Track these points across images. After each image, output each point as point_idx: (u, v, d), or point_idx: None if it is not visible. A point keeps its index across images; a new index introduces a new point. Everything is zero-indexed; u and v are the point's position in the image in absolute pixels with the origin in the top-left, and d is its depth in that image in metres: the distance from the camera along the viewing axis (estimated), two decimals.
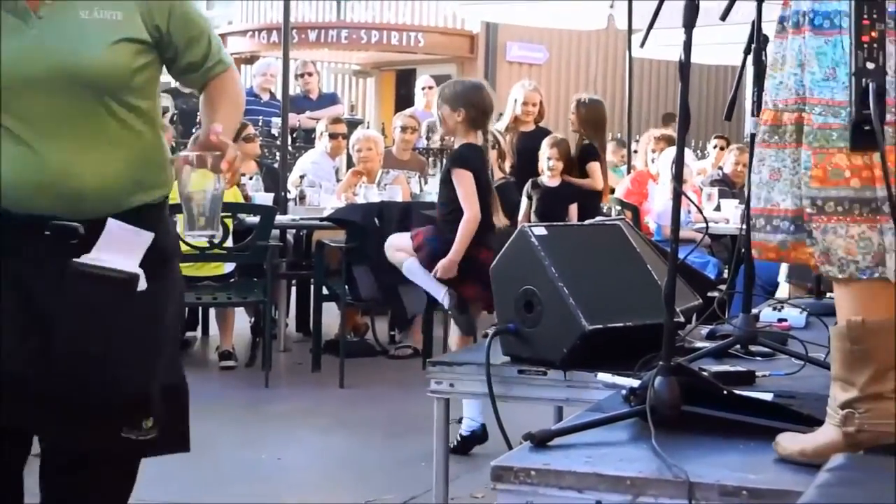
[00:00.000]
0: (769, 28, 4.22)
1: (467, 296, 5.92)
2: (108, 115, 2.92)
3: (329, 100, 12.02)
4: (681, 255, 2.87)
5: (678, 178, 2.81)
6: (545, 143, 9.01)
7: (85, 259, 2.89)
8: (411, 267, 6.14)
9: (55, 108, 2.85)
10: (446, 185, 5.87)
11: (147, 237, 2.97)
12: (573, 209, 8.82)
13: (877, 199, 2.43)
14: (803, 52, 2.54)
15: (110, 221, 2.92)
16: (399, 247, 6.26)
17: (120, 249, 2.94)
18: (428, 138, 11.94)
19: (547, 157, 8.97)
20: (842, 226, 2.46)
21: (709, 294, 4.73)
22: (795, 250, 2.59)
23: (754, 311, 4.37)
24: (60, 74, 2.83)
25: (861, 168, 2.42)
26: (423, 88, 12.86)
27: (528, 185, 8.88)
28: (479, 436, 5.57)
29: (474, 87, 6.03)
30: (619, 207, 9.10)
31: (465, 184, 5.77)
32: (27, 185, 2.85)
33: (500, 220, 5.96)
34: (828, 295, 5.33)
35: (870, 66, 2.10)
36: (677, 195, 2.81)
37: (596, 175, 9.18)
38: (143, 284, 2.94)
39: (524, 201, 8.75)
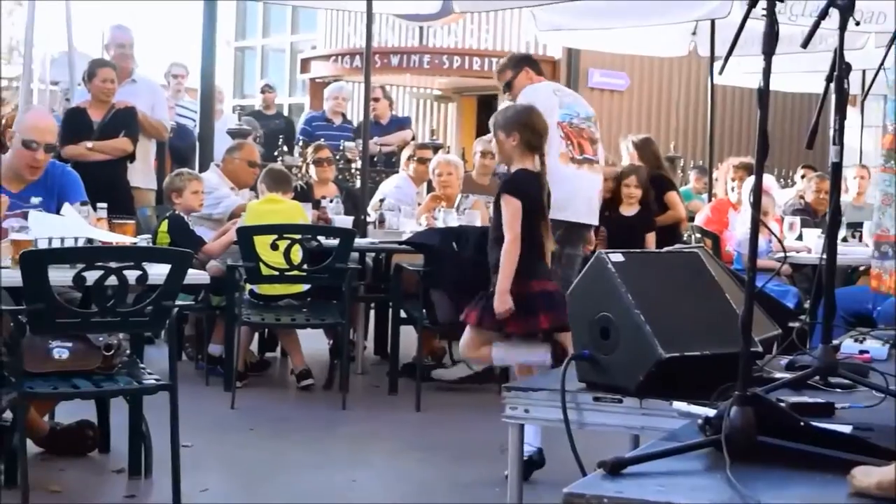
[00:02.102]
0: (851, 56, 4.19)
1: (512, 331, 5.79)
2: None
3: (397, 124, 12.07)
4: (759, 284, 2.84)
5: (756, 205, 2.79)
6: (623, 171, 9.19)
7: None
8: (498, 354, 5.95)
9: None
10: (497, 209, 5.78)
11: None
12: (650, 237, 8.97)
13: None
14: None
15: None
16: (469, 344, 5.99)
17: None
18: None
19: (624, 185, 9.08)
20: None
21: (790, 324, 4.67)
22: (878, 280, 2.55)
23: (835, 342, 4.32)
24: None
25: None
26: None
27: (604, 214, 8.78)
28: (536, 461, 5.48)
29: (526, 110, 5.96)
30: (699, 235, 9.04)
31: (510, 210, 5.65)
32: None
33: (550, 245, 5.84)
34: None
35: None
36: (755, 223, 2.79)
37: (678, 205, 9.46)
38: None
39: (602, 229, 8.62)
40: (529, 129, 5.72)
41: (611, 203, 8.96)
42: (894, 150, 2.56)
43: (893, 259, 2.54)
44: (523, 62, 7.68)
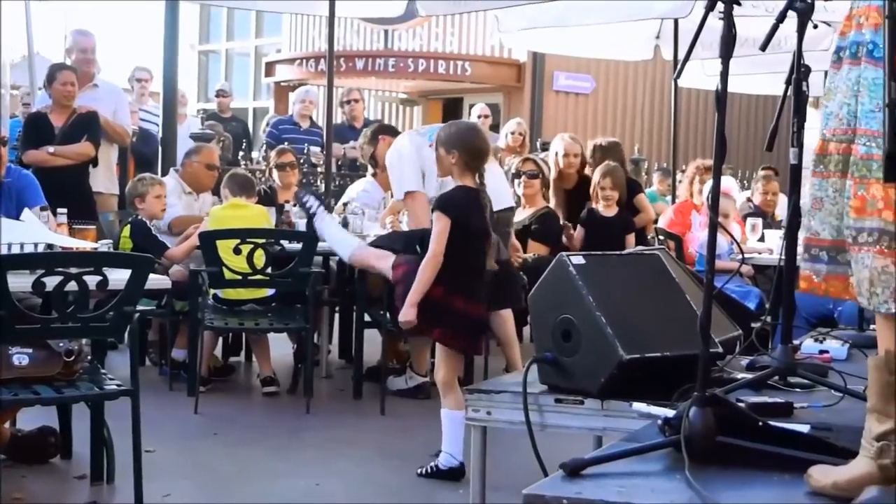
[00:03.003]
0: (815, 57, 4.21)
1: (435, 337, 5.80)
2: None
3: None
4: (718, 285, 2.86)
5: (714, 207, 2.80)
6: (598, 171, 9.14)
7: None
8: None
9: None
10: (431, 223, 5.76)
11: None
12: (630, 239, 8.99)
13: None
14: (859, 83, 2.52)
15: None
16: (379, 257, 6.21)
17: None
18: None
19: (601, 188, 9.03)
20: (868, 256, 2.44)
21: (752, 325, 4.70)
22: (827, 282, 2.57)
23: (796, 342, 4.34)
24: None
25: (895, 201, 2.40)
26: (480, 117, 12.92)
27: (583, 213, 9.02)
28: (457, 472, 5.56)
29: (469, 129, 5.94)
30: (662, 237, 9.07)
31: (439, 226, 5.59)
32: None
33: (490, 265, 5.83)
34: (871, 327, 5.29)
35: None
36: (713, 225, 2.80)
37: (648, 207, 9.57)
38: None
39: (579, 230, 8.91)
40: (469, 149, 5.68)
41: (578, 198, 9.01)
42: (823, 156, 2.58)
43: (825, 263, 2.56)
44: (378, 133, 8.32)
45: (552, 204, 9.09)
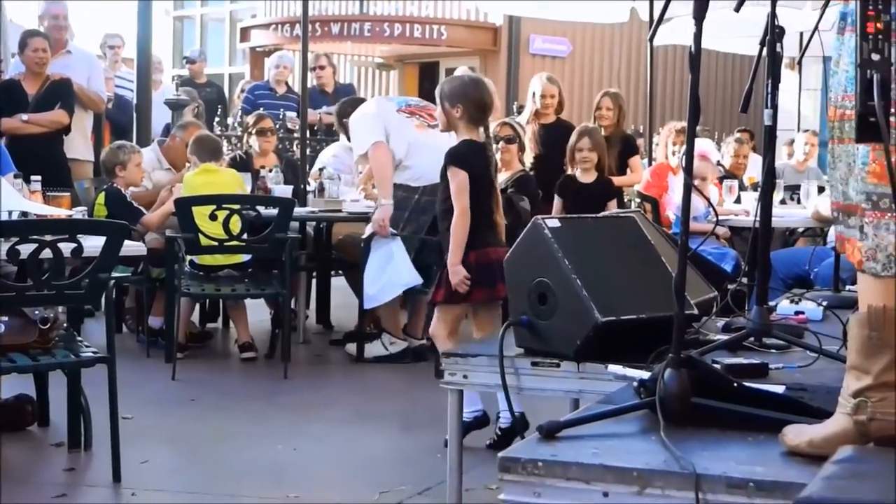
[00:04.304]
0: (791, 16, 4.20)
1: (476, 299, 5.63)
2: None
3: (344, 93, 11.98)
4: (694, 247, 2.86)
5: (688, 170, 2.80)
6: (575, 133, 8.40)
7: None
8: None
9: None
10: (443, 180, 5.70)
11: None
12: (612, 205, 8.18)
13: None
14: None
15: None
16: (438, 329, 5.74)
17: None
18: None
19: (577, 149, 8.28)
20: (895, 222, 2.42)
21: (728, 287, 4.70)
22: (841, 244, 2.58)
23: (772, 303, 4.35)
24: None
25: None
26: None
27: (559, 182, 8.33)
28: (482, 421, 5.57)
29: (473, 82, 5.90)
30: (638, 200, 9.06)
31: (457, 182, 5.58)
32: None
33: (500, 217, 5.79)
34: (847, 288, 5.31)
35: (875, 57, 2.08)
36: (687, 188, 2.80)
37: (638, 170, 9.23)
38: None
39: (556, 200, 8.24)
40: (474, 103, 5.64)
41: (551, 164, 8.72)
42: (832, 122, 2.57)
43: (841, 225, 2.55)
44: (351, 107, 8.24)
45: (528, 138, 8.91)
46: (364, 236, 7.53)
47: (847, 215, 2.53)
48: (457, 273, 5.48)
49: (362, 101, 8.54)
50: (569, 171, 8.35)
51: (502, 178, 8.55)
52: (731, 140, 10.26)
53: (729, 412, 2.77)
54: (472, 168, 5.56)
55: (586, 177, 8.24)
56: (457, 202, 5.53)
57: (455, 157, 5.61)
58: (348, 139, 8.28)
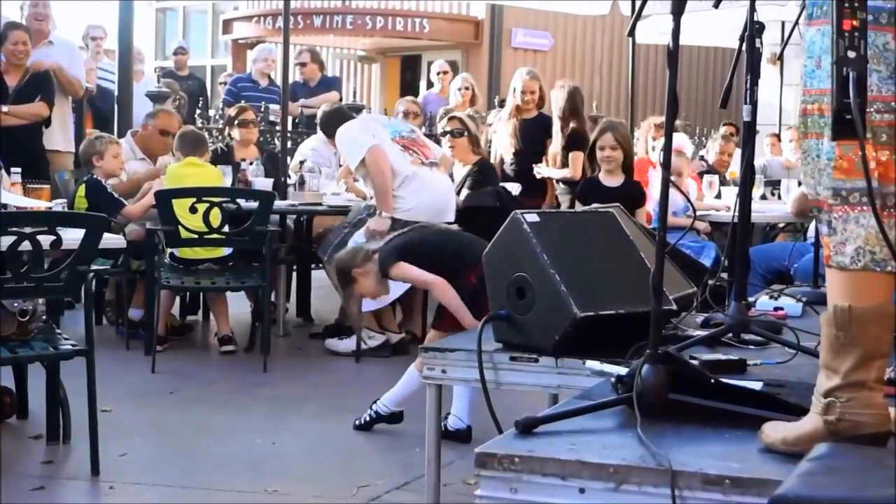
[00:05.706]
0: (773, 9, 4.20)
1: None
2: None
3: (325, 85, 11.95)
4: (672, 242, 2.86)
5: (666, 165, 2.80)
6: (597, 129, 7.84)
7: None
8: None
9: None
10: None
11: None
12: (641, 213, 7.65)
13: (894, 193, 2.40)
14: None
15: None
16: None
17: None
18: (432, 124, 11.89)
19: (599, 147, 7.58)
20: (865, 216, 2.42)
21: (708, 282, 4.71)
22: (823, 239, 2.58)
23: (752, 299, 4.37)
24: None
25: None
26: (439, 73, 12.88)
27: (580, 186, 7.79)
28: (463, 436, 5.48)
29: None
30: None
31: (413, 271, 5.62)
32: None
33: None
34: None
35: (850, 54, 2.09)
36: (665, 183, 2.80)
37: (577, 164, 8.49)
38: None
39: (579, 208, 7.27)
40: None
41: (531, 158, 8.69)
42: (804, 116, 2.57)
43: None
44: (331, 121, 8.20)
45: (508, 133, 8.88)
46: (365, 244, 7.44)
47: (819, 210, 2.54)
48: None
49: (341, 110, 8.44)
50: (589, 174, 7.86)
51: (463, 172, 8.48)
52: (718, 136, 10.26)
53: (706, 408, 2.78)
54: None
55: (611, 179, 7.58)
56: (430, 276, 5.50)
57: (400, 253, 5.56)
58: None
